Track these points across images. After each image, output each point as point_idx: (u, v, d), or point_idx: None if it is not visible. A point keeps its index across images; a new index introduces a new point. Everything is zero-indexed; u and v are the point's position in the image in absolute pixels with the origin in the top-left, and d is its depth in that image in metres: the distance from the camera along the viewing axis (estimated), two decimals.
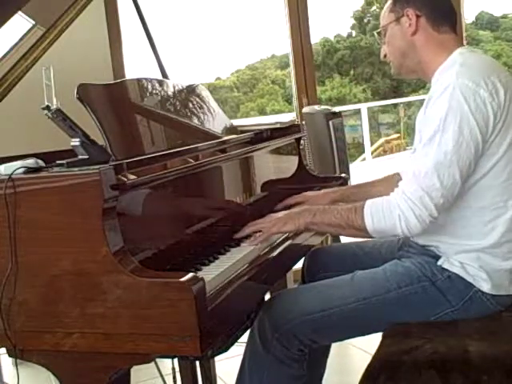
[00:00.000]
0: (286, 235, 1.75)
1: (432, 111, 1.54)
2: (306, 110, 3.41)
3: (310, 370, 1.69)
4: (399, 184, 1.56)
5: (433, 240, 1.63)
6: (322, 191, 2.11)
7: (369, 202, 1.56)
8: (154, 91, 1.88)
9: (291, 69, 3.80)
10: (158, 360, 1.75)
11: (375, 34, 1.80)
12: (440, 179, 1.48)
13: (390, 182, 1.88)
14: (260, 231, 1.70)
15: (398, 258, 1.72)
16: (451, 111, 1.49)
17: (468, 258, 1.58)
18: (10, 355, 1.41)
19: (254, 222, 1.74)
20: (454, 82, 1.51)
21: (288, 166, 2.39)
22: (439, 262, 1.61)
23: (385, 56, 1.78)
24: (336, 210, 1.62)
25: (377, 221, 1.54)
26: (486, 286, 1.57)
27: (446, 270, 1.60)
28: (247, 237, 1.71)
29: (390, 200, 1.53)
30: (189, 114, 2.00)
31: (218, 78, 15.18)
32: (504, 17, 17.04)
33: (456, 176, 1.49)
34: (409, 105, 14.17)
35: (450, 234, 1.59)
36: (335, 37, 16.00)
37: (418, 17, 1.67)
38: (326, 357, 1.94)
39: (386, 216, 1.52)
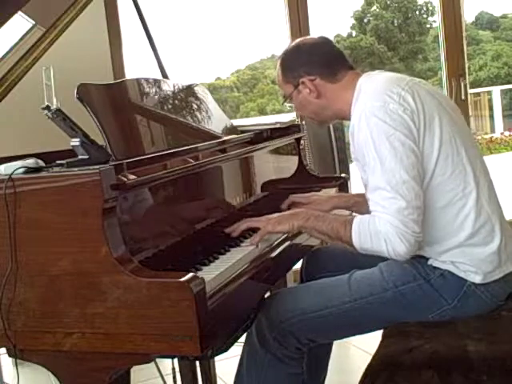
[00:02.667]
0: (285, 235, 1.76)
1: (359, 143, 1.57)
2: None
3: (312, 373, 1.69)
4: (372, 212, 1.55)
5: (416, 252, 1.61)
6: (327, 196, 2.12)
7: (357, 220, 1.57)
8: (154, 91, 1.88)
9: None
10: (158, 360, 1.75)
11: (285, 104, 1.84)
12: (403, 197, 1.49)
13: None
14: (252, 229, 1.71)
15: None
16: (375, 135, 1.52)
17: (454, 255, 1.59)
18: (10, 355, 1.41)
19: (248, 219, 1.75)
20: (363, 110, 1.56)
21: (288, 165, 2.39)
22: (429, 262, 1.62)
23: (301, 116, 1.83)
24: (328, 220, 1.64)
25: (364, 241, 1.55)
26: (477, 278, 1.58)
27: (438, 268, 1.61)
28: (245, 236, 1.71)
29: (376, 224, 1.52)
30: (189, 114, 2.00)
31: (218, 78, 15.18)
32: (504, 17, 17.04)
33: (414, 187, 1.51)
34: None
35: (428, 241, 1.60)
36: (335, 37, 15.99)
37: (312, 81, 1.72)
38: (328, 359, 1.95)
39: (373, 240, 1.53)
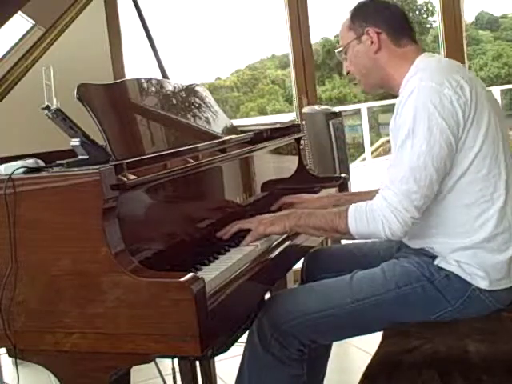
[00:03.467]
0: (285, 235, 1.76)
1: (401, 117, 1.55)
2: (306, 109, 3.41)
3: (312, 372, 1.69)
4: (379, 190, 1.57)
5: (426, 243, 1.63)
6: (317, 196, 2.12)
7: (352, 207, 1.58)
8: (154, 91, 1.88)
9: (291, 69, 3.80)
10: (158, 360, 1.75)
11: (336, 52, 1.81)
12: (417, 182, 1.49)
13: None
14: (244, 231, 1.70)
15: (396, 258, 1.72)
16: (418, 114, 1.51)
17: (464, 255, 1.58)
18: (10, 355, 1.41)
19: (239, 221, 1.74)
20: (417, 86, 1.54)
21: (288, 165, 2.39)
22: (436, 262, 1.62)
23: (348, 72, 1.80)
24: (321, 214, 1.64)
25: (360, 226, 1.56)
26: (483, 283, 1.58)
27: (443, 269, 1.60)
28: (243, 236, 1.71)
29: (373, 206, 1.54)
30: (189, 113, 2.00)
31: (218, 78, 15.16)
32: (504, 17, 17.03)
33: (432, 177, 1.50)
34: None
35: (442, 234, 1.60)
36: (335, 37, 15.98)
37: (378, 34, 1.69)
38: (327, 358, 1.94)
39: (370, 221, 1.53)
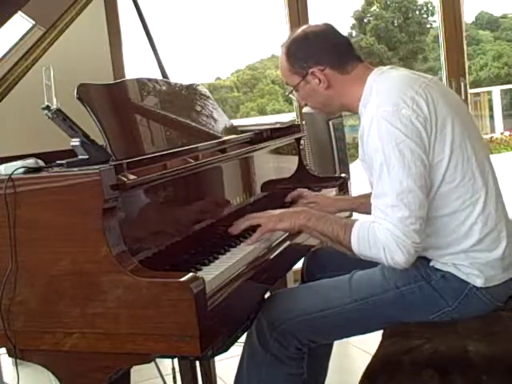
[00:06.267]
0: (285, 235, 1.76)
1: (368, 147, 1.55)
2: (306, 109, 3.40)
3: (312, 373, 1.69)
4: (375, 220, 1.53)
5: (419, 253, 1.60)
6: (334, 198, 2.12)
7: (357, 225, 1.56)
8: (154, 91, 1.88)
9: None
10: (157, 360, 1.75)
11: (288, 95, 1.79)
12: (407, 207, 1.48)
13: None
14: (253, 229, 1.70)
15: None
16: (385, 141, 1.49)
17: (457, 258, 1.59)
18: (10, 355, 1.41)
19: (250, 215, 1.74)
20: (375, 114, 1.52)
21: (288, 166, 2.39)
22: (431, 263, 1.62)
23: (306, 104, 1.79)
24: (330, 222, 1.62)
25: (363, 247, 1.54)
26: (479, 281, 1.58)
27: (440, 269, 1.60)
28: (245, 235, 1.71)
29: (375, 232, 1.51)
30: (189, 114, 1.99)
31: (218, 78, 15.18)
32: (504, 17, 17.04)
33: (420, 196, 1.49)
34: None
35: (432, 246, 1.60)
36: None
37: (322, 71, 1.67)
38: (328, 360, 1.95)
39: (372, 246, 1.52)
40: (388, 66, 1.70)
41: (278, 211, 1.74)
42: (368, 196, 2.06)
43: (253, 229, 1.72)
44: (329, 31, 1.71)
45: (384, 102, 1.54)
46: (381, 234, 1.49)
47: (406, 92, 1.54)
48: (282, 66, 1.74)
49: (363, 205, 1.92)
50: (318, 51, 1.67)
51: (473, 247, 1.57)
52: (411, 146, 1.49)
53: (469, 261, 1.58)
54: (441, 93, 1.60)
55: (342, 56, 1.68)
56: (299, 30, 1.72)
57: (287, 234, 1.76)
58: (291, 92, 1.76)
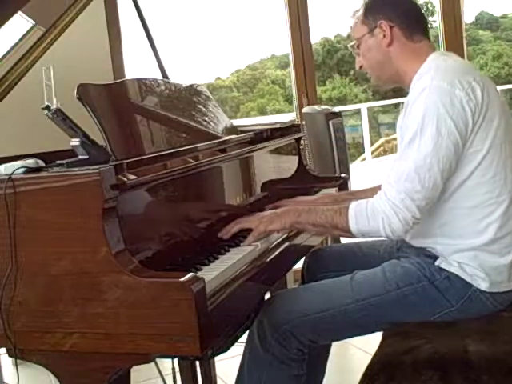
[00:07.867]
0: (285, 235, 1.76)
1: (410, 116, 1.55)
2: (306, 109, 3.41)
3: (311, 373, 1.69)
4: (382, 187, 1.56)
5: (428, 242, 1.63)
6: (314, 197, 2.11)
7: (353, 205, 1.58)
8: (154, 91, 1.88)
9: (291, 69, 3.79)
10: (157, 360, 1.75)
11: (349, 47, 1.80)
12: (421, 182, 1.49)
13: None
14: (244, 230, 1.70)
15: (396, 258, 1.72)
16: (428, 114, 1.50)
17: (465, 257, 1.58)
18: (10, 355, 1.41)
19: (239, 219, 1.74)
20: (429, 85, 1.53)
21: (288, 166, 2.39)
22: (437, 263, 1.62)
23: (360, 67, 1.78)
24: (321, 211, 1.64)
25: (361, 223, 1.55)
26: (484, 285, 1.57)
27: (444, 270, 1.60)
28: (244, 236, 1.71)
29: (374, 203, 1.54)
30: (189, 114, 1.99)
31: (218, 78, 15.16)
32: (504, 17, 17.03)
33: (437, 178, 1.50)
34: None
35: (445, 235, 1.60)
36: (335, 37, 15.97)
37: (391, 27, 1.68)
38: (326, 359, 1.94)
39: (370, 219, 1.53)
40: (451, 53, 1.72)
41: (267, 212, 1.74)
42: (352, 193, 2.07)
43: (247, 231, 1.71)
44: (412, 0, 1.75)
45: (441, 77, 1.54)
46: (380, 206, 1.51)
47: (465, 76, 1.55)
48: (356, 18, 1.75)
49: (347, 201, 1.92)
50: (395, 9, 1.69)
51: (484, 246, 1.57)
52: (451, 127, 1.49)
53: (476, 261, 1.57)
54: (496, 91, 1.61)
55: (413, 24, 1.69)
56: None
57: (286, 234, 1.76)
58: (355, 44, 1.76)
